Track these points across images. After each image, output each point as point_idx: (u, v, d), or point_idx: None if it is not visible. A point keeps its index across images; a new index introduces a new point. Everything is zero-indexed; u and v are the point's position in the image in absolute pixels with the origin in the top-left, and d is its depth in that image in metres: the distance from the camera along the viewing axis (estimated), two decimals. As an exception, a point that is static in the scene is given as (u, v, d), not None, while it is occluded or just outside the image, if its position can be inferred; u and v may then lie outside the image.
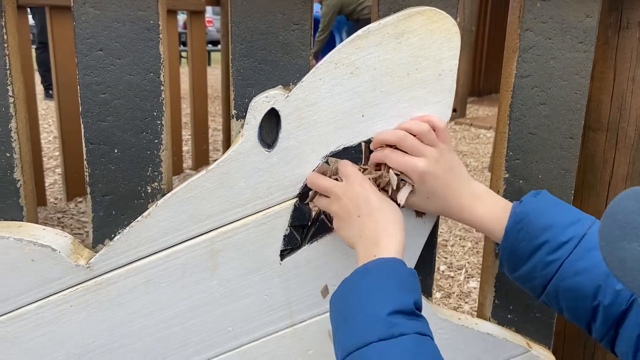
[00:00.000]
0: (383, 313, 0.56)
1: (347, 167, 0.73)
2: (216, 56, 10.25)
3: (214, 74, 7.03)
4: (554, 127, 0.80)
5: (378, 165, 0.73)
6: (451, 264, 2.33)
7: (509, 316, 0.87)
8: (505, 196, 0.82)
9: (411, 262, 0.80)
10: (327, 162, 0.76)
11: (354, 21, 5.26)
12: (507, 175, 0.82)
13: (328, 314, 0.80)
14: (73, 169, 2.75)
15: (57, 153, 3.38)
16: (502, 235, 0.68)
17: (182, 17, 5.75)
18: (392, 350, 0.54)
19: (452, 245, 2.50)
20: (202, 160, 3.38)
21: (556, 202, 0.69)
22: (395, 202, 0.71)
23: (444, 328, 0.83)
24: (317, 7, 5.30)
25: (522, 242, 0.66)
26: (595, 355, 0.93)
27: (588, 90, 0.79)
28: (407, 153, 0.70)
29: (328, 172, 0.75)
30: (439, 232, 0.84)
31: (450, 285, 2.13)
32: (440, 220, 0.82)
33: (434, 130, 0.71)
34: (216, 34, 12.07)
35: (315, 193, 0.75)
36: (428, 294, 0.85)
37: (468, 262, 2.33)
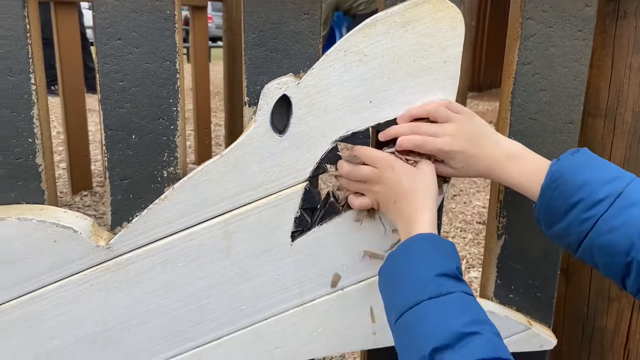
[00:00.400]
0: (430, 275, 0.62)
1: (370, 152, 0.76)
2: (215, 52, 10.27)
3: (214, 70, 7.05)
4: (554, 113, 0.83)
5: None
6: (452, 254, 2.36)
7: (510, 296, 0.90)
8: (507, 180, 0.85)
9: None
10: (336, 146, 0.79)
11: (351, 16, 5.29)
12: (509, 160, 0.85)
13: (336, 293, 0.83)
14: (78, 164, 2.78)
15: (61, 148, 3.41)
16: (539, 193, 0.69)
17: (183, 14, 5.76)
18: (442, 306, 0.59)
19: (452, 237, 2.53)
20: (204, 154, 3.41)
21: (594, 160, 0.68)
22: None
23: (449, 306, 0.86)
24: None
25: (558, 200, 0.67)
26: (593, 335, 0.96)
27: (587, 77, 0.82)
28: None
29: (345, 158, 0.78)
30: (439, 224, 0.87)
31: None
32: (441, 212, 0.85)
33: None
34: (215, 30, 12.06)
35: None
36: (433, 275, 0.88)
37: (469, 253, 2.36)
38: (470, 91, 6.60)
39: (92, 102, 3.98)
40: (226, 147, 0.74)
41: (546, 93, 0.83)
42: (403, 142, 0.75)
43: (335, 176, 0.80)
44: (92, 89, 4.16)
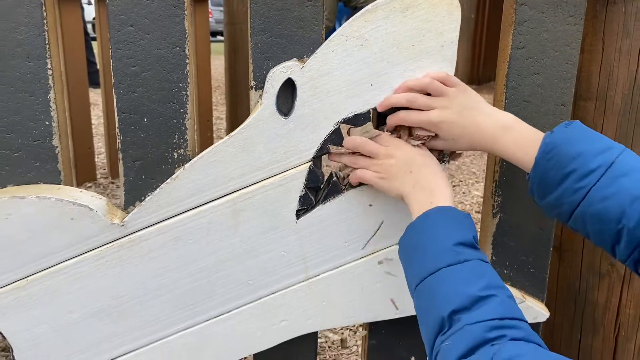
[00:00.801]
0: (449, 244, 0.66)
1: (386, 137, 0.81)
2: (215, 47, 10.27)
3: (214, 65, 7.06)
4: (546, 95, 0.87)
5: (396, 127, 0.81)
6: (451, 242, 2.41)
7: (505, 271, 0.94)
8: (501, 160, 0.89)
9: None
10: (339, 128, 0.83)
11: (351, 8, 5.34)
12: (503, 140, 0.88)
13: (340, 268, 0.87)
14: (82, 156, 2.82)
15: (65, 141, 3.44)
16: (532, 164, 0.71)
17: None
18: (460, 272, 0.64)
19: (452, 226, 2.57)
20: (206, 146, 3.44)
21: (587, 131, 0.70)
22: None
23: (447, 281, 0.90)
24: None
25: (551, 171, 0.69)
26: (585, 309, 1.00)
27: (578, 61, 0.86)
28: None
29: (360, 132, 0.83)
30: None
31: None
32: None
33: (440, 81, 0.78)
34: (215, 25, 12.08)
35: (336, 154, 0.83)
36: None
37: (468, 241, 2.40)
38: (470, 84, 6.62)
39: (93, 96, 4.01)
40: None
41: (539, 76, 0.87)
42: (390, 120, 0.80)
43: (335, 158, 0.84)
44: (94, 83, 4.19)
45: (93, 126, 3.31)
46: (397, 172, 0.78)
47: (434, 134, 0.79)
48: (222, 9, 3.34)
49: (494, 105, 0.90)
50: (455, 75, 0.80)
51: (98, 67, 3.01)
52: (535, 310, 0.92)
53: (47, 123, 0.81)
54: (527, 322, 0.60)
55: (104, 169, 3.19)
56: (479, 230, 0.87)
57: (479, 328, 0.57)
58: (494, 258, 0.94)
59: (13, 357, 0.84)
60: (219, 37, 10.21)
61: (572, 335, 1.02)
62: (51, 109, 0.80)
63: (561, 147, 0.69)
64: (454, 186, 3.12)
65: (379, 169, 0.80)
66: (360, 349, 1.63)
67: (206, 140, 3.48)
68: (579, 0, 0.84)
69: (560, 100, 0.87)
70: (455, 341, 0.58)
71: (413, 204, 0.75)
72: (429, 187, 0.75)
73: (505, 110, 0.87)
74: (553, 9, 0.84)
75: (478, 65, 7.45)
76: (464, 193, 3.01)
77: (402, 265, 0.74)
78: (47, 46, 0.78)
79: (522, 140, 0.74)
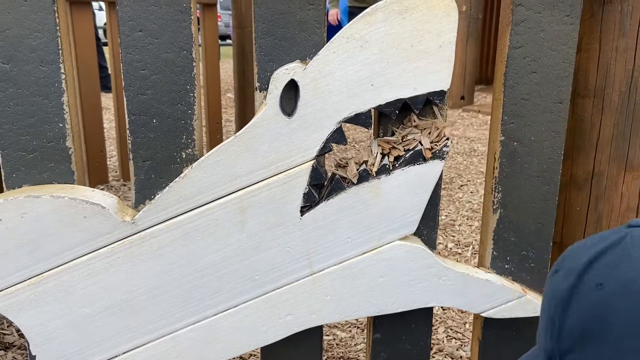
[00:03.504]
0: None
1: None
2: (224, 50, 10.34)
3: (223, 68, 7.14)
4: (544, 93, 0.89)
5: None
6: (459, 241, 2.42)
7: (506, 266, 0.96)
8: (501, 157, 0.91)
9: (417, 216, 0.89)
10: (341, 127, 0.85)
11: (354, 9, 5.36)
12: (502, 138, 0.91)
13: (344, 263, 0.90)
14: (95, 159, 2.87)
15: (77, 145, 3.49)
16: None
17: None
18: None
19: (459, 225, 2.59)
20: (216, 149, 3.49)
21: None
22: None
23: (447, 275, 0.92)
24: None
25: None
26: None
27: (575, 60, 0.88)
28: None
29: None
30: (446, 213, 0.93)
31: (457, 261, 2.22)
32: (447, 201, 0.92)
33: None
34: (224, 29, 12.17)
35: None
36: (432, 247, 0.94)
37: (475, 240, 2.41)
38: (478, 84, 6.61)
39: (105, 100, 4.08)
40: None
41: (537, 75, 0.88)
42: None
43: None
44: (105, 88, 4.25)
45: (105, 130, 3.37)
46: None
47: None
48: (231, 12, 3.39)
49: (492, 104, 0.93)
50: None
51: (109, 71, 3.06)
52: (536, 304, 0.94)
53: (60, 125, 0.84)
54: None
55: (116, 172, 3.24)
56: (479, 226, 0.88)
57: None
58: (494, 253, 0.96)
59: (29, 350, 0.88)
60: (228, 41, 10.29)
61: (574, 329, 1.04)
62: (64, 112, 0.84)
63: None
64: (462, 185, 3.13)
65: None
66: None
67: (216, 142, 3.52)
68: (575, 1, 0.86)
69: (558, 98, 0.89)
70: None
71: None
72: None
73: (504, 108, 0.89)
74: (549, 9, 0.86)
75: (487, 65, 7.44)
76: (472, 192, 3.02)
77: None
78: (60, 51, 0.82)
79: None
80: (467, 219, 2.65)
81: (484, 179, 3.23)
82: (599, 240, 0.48)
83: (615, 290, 0.44)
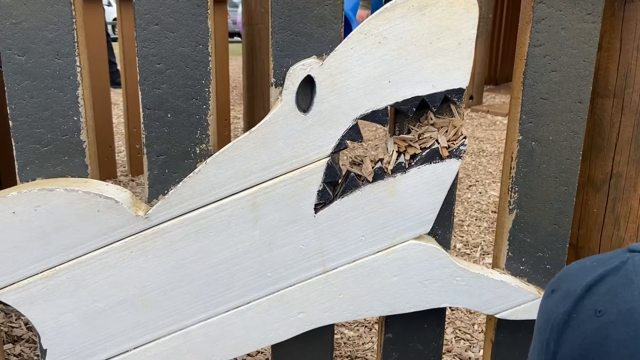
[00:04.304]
0: None
1: None
2: (231, 48, 10.36)
3: (231, 65, 7.14)
4: (564, 93, 0.88)
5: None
6: (467, 242, 2.40)
7: (521, 267, 0.95)
8: (518, 157, 0.90)
9: (432, 215, 0.88)
10: (357, 124, 0.84)
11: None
12: (520, 137, 0.89)
13: (357, 261, 0.89)
14: (103, 154, 2.88)
15: (86, 139, 3.50)
16: None
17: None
18: None
19: (468, 225, 2.57)
20: (223, 145, 3.49)
21: None
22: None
23: (462, 276, 0.91)
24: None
25: None
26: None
27: (596, 59, 0.87)
28: None
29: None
30: (455, 213, 0.92)
31: (466, 261, 2.21)
32: (456, 201, 0.90)
33: None
34: (232, 26, 12.18)
35: None
36: (447, 247, 0.93)
37: (484, 240, 2.40)
38: (487, 84, 6.58)
39: (113, 95, 4.08)
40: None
41: (556, 74, 0.87)
42: None
43: None
44: (114, 83, 4.26)
45: (113, 125, 3.37)
46: None
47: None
48: (237, 10, 3.38)
49: (510, 102, 0.91)
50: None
51: (118, 67, 3.06)
52: (551, 306, 0.93)
53: (75, 118, 0.84)
54: None
55: (124, 167, 3.25)
56: (494, 227, 0.86)
57: None
58: (509, 254, 0.95)
59: (40, 344, 0.87)
60: (236, 38, 10.29)
61: (589, 332, 1.02)
62: (79, 105, 0.83)
63: None
64: (470, 186, 3.11)
65: None
66: (375, 345, 1.65)
67: (223, 138, 3.52)
68: (597, -2, 0.85)
69: (577, 98, 0.88)
70: None
71: None
72: None
73: (522, 107, 0.88)
74: (571, 6, 0.85)
75: (495, 66, 7.39)
76: (480, 193, 3.01)
77: None
78: (76, 44, 0.81)
79: None
80: (476, 220, 2.64)
81: (492, 180, 3.21)
82: (598, 263, 0.46)
83: (615, 320, 0.42)
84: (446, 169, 0.86)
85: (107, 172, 2.93)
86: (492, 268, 0.97)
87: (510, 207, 0.93)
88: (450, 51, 0.81)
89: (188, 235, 0.85)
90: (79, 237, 0.83)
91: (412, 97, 0.83)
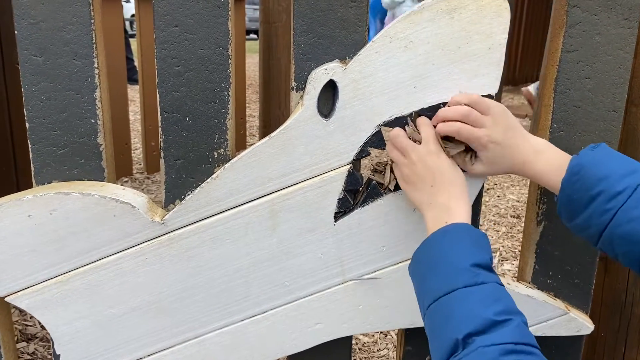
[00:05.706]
0: (466, 264, 0.64)
1: (427, 129, 0.77)
2: (247, 45, 10.36)
3: (246, 63, 7.14)
4: (597, 101, 0.84)
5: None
6: (485, 247, 2.36)
7: (548, 281, 0.91)
8: (547, 166, 0.86)
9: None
10: (380, 130, 0.81)
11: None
12: (550, 146, 0.86)
13: (377, 272, 0.86)
14: (119, 151, 2.88)
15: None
16: (560, 186, 0.71)
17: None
18: (477, 294, 0.62)
19: (486, 230, 2.52)
20: (239, 144, 3.48)
21: (612, 154, 0.70)
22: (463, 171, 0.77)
23: (487, 289, 0.88)
24: None
25: (578, 193, 0.69)
26: (630, 323, 0.96)
27: (631, 66, 0.83)
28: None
29: (407, 133, 0.80)
30: None
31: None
32: (479, 205, 0.87)
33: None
34: (248, 23, 12.19)
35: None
36: (471, 258, 0.90)
37: (502, 246, 2.35)
38: (505, 85, 6.50)
39: (130, 92, 4.10)
40: (260, 137, 0.78)
41: (590, 81, 0.83)
42: (443, 126, 0.76)
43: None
44: (130, 80, 4.28)
45: (130, 122, 3.38)
46: (418, 180, 0.76)
47: (464, 147, 0.77)
48: (255, 7, 3.36)
49: (541, 110, 0.88)
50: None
51: (135, 63, 3.07)
52: (579, 322, 0.89)
53: (92, 121, 0.82)
54: (539, 349, 0.58)
55: (140, 164, 3.25)
56: (512, 232, 0.84)
57: (494, 350, 0.56)
58: (537, 267, 0.91)
59: (53, 349, 0.86)
60: (252, 36, 10.29)
61: (616, 348, 0.99)
62: (97, 107, 0.82)
63: (588, 169, 0.68)
64: (488, 189, 3.06)
65: (407, 171, 0.78)
66: (391, 352, 1.62)
67: (239, 137, 3.51)
68: (634, 3, 0.81)
69: (612, 106, 0.84)
70: None
71: (428, 220, 0.74)
72: (447, 203, 0.73)
73: (553, 115, 0.85)
74: (606, 11, 0.81)
75: (514, 67, 7.30)
76: (498, 197, 2.95)
77: (412, 281, 0.72)
78: (94, 45, 0.80)
79: (552, 164, 0.73)
80: (494, 224, 2.59)
81: (510, 184, 3.16)
82: None
83: None
84: (472, 177, 0.83)
85: (123, 170, 2.94)
86: (517, 281, 0.94)
87: (539, 219, 0.89)
88: (479, 56, 0.78)
89: (204, 242, 0.83)
90: (95, 242, 0.81)
91: (438, 104, 0.80)
